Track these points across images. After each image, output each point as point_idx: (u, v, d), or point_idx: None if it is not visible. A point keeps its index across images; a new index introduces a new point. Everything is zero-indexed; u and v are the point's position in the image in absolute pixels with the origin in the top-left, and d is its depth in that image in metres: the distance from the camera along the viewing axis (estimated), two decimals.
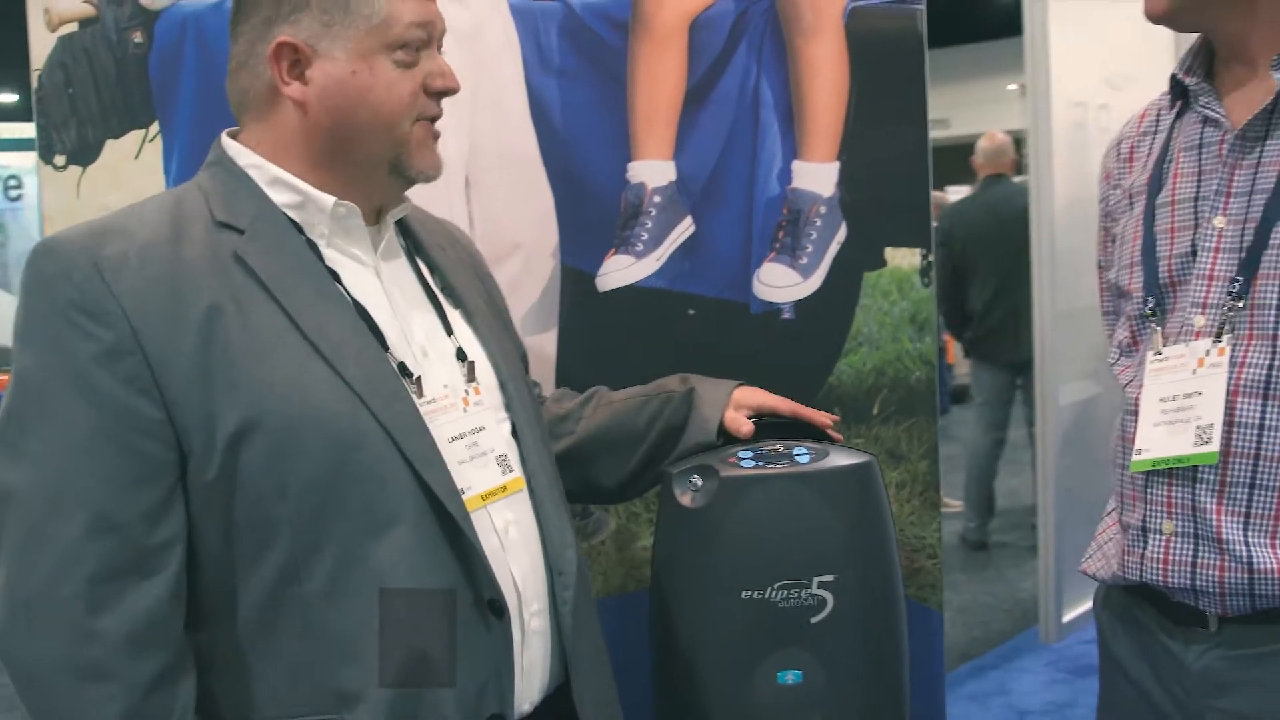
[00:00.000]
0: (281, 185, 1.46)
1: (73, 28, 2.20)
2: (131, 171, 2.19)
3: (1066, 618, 5.15)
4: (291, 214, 1.46)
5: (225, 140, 1.51)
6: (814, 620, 1.80)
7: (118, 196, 2.19)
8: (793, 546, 1.80)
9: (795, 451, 1.84)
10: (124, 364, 1.32)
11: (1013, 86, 16.00)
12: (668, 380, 1.94)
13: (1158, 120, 1.78)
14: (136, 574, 1.31)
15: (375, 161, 1.49)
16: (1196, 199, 1.65)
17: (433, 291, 1.60)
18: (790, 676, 1.81)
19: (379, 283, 1.51)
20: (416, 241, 1.63)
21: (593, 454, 1.89)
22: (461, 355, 1.56)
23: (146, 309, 1.33)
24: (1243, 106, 1.61)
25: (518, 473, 1.56)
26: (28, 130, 8.70)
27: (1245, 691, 1.59)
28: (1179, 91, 1.72)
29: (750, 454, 1.84)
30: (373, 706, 1.36)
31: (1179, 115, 1.72)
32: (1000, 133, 6.43)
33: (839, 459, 1.84)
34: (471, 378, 1.56)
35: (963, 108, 15.50)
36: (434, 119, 1.51)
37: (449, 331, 1.58)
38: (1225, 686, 1.61)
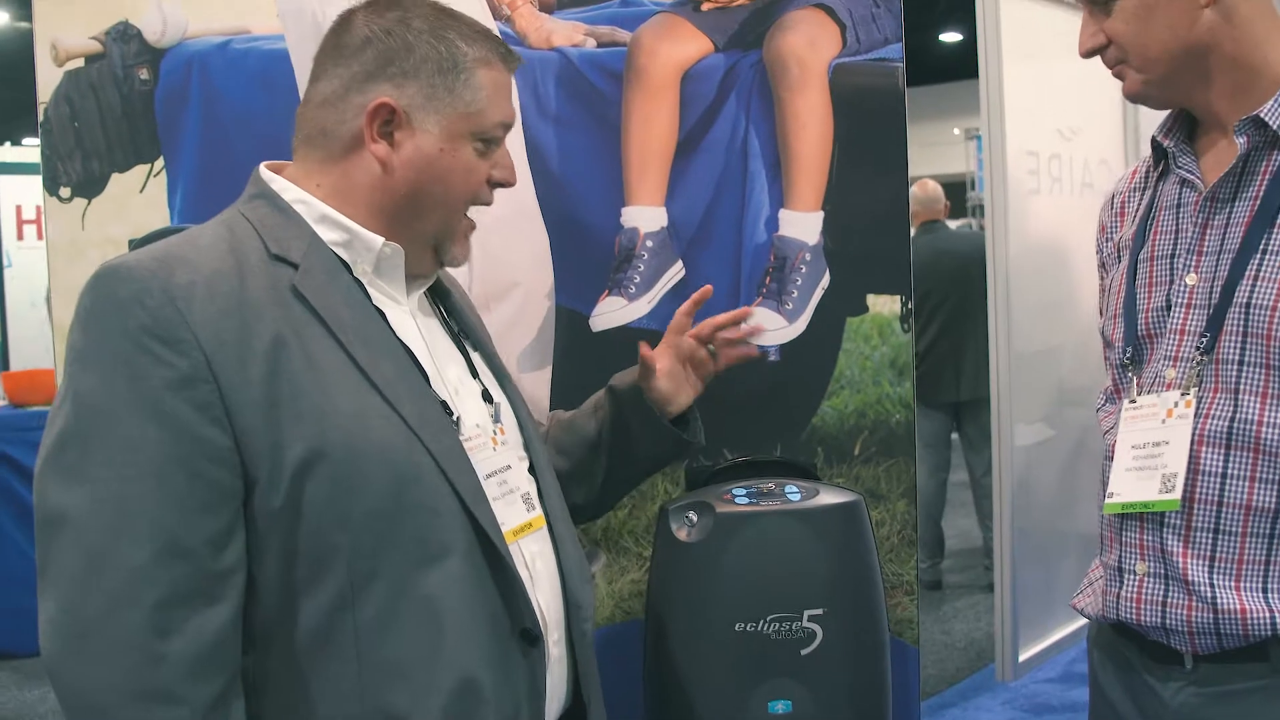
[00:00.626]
0: (329, 223, 1.50)
1: (79, 63, 2.25)
2: (137, 205, 2.24)
3: (1023, 656, 5.23)
4: (338, 251, 1.49)
5: (267, 174, 1.54)
6: (804, 652, 1.87)
7: (122, 229, 2.25)
8: (784, 580, 1.87)
9: (787, 489, 1.91)
10: (198, 391, 1.34)
11: (958, 131, 16.23)
12: (595, 395, 1.95)
13: (1146, 177, 1.86)
14: (203, 599, 1.34)
15: (425, 237, 1.54)
16: (1173, 256, 1.73)
17: (455, 334, 1.66)
18: (781, 706, 1.87)
19: (415, 325, 1.56)
20: (434, 287, 1.68)
21: (561, 473, 1.86)
22: (487, 396, 1.62)
23: (219, 338, 1.35)
24: (1215, 168, 1.69)
25: (539, 510, 1.61)
26: None
27: None
28: (1159, 153, 1.80)
29: (744, 491, 1.90)
30: None
31: (1163, 175, 1.81)
32: (930, 181, 6.61)
33: (828, 497, 1.91)
34: (497, 418, 1.61)
35: (909, 149, 15.66)
36: (485, 204, 1.58)
37: (474, 374, 1.63)
38: None
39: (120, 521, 1.32)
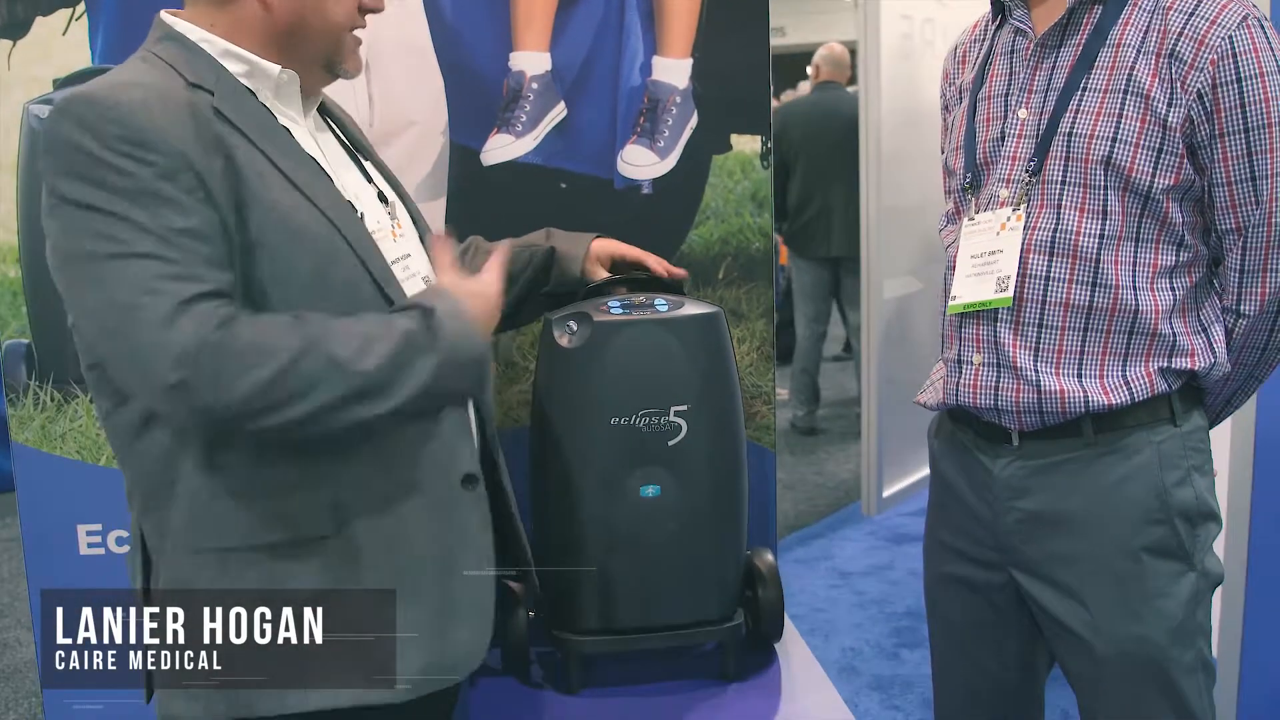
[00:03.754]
0: (231, 56, 1.68)
1: None
2: (60, 46, 2.38)
3: (886, 493, 5.62)
4: (242, 80, 1.68)
5: (170, 19, 1.70)
6: (671, 443, 2.11)
7: (47, 69, 2.39)
8: (653, 381, 2.09)
9: (656, 302, 2.14)
10: (183, 179, 1.50)
11: None
12: (534, 235, 2.23)
13: (985, 30, 2.13)
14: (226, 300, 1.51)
15: (315, 59, 1.73)
16: (1007, 94, 2.01)
17: (349, 148, 1.87)
18: (651, 490, 2.12)
19: (313, 140, 1.77)
20: (325, 107, 1.89)
21: None
22: (383, 198, 1.83)
23: (182, 138, 1.52)
24: (1045, 20, 1.97)
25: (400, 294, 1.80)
26: None
27: (1037, 494, 1.98)
28: (998, 7, 2.07)
29: (618, 303, 2.13)
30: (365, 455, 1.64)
31: (1000, 26, 2.08)
32: (839, 45, 6.80)
33: (692, 309, 2.15)
34: (394, 216, 1.83)
35: (799, 17, 15.62)
36: (360, 28, 1.76)
37: (369, 180, 1.84)
38: (1023, 491, 2.00)
39: (162, 273, 1.47)
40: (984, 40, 2.11)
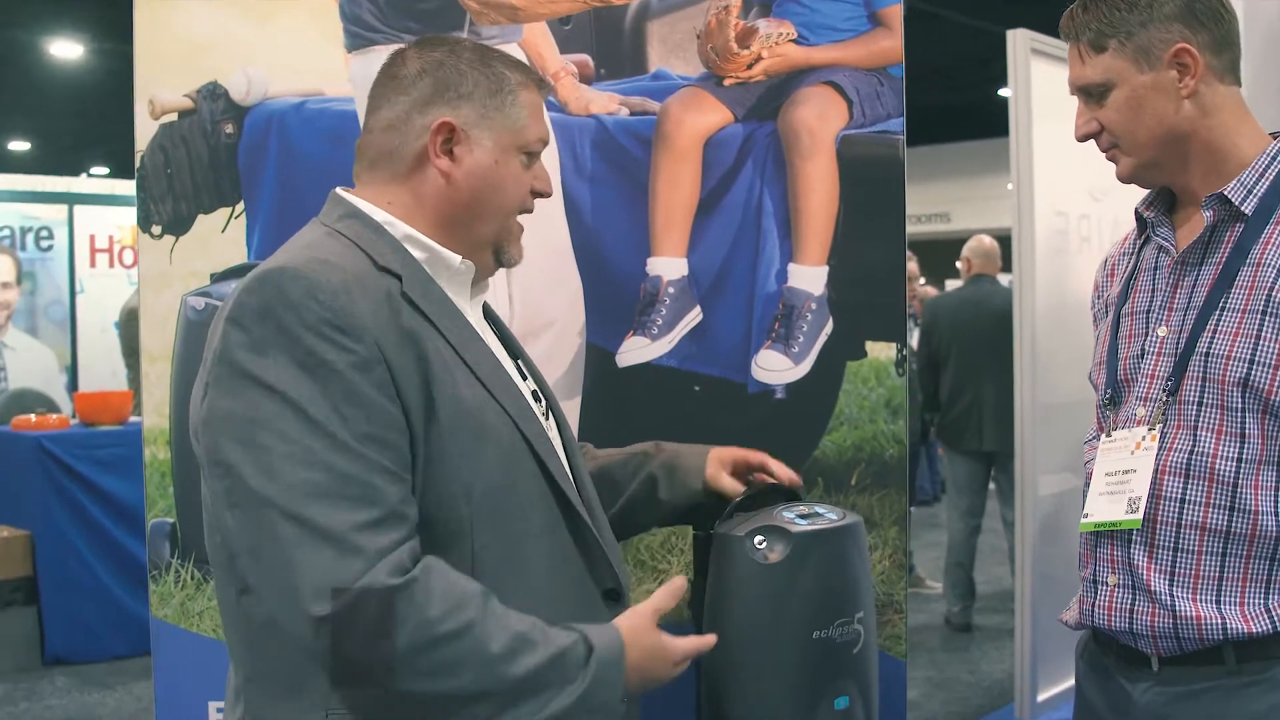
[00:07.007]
0: (412, 241, 1.69)
1: (173, 117, 2.55)
2: (219, 243, 2.53)
3: (1042, 696, 5.38)
4: (422, 265, 1.69)
5: (351, 197, 1.71)
6: (855, 651, 2.02)
7: (206, 264, 2.54)
8: (842, 589, 2.00)
9: (819, 510, 2.04)
10: (375, 373, 1.50)
11: (1011, 186, 16.23)
12: (641, 444, 2.15)
13: (1133, 244, 2.11)
14: (398, 529, 1.50)
15: (486, 240, 1.74)
16: (1148, 311, 1.98)
17: (505, 345, 1.87)
18: (842, 702, 2.01)
19: (480, 331, 1.76)
20: (485, 304, 1.89)
21: None
22: (537, 396, 1.82)
23: (379, 327, 1.53)
24: (1187, 237, 1.94)
25: (578, 500, 1.79)
26: (57, 184, 8.90)
27: None
28: (1142, 223, 2.05)
29: (794, 514, 2.02)
30: None
31: (1145, 242, 2.06)
32: (988, 237, 6.79)
33: (851, 517, 2.06)
34: (547, 415, 1.81)
35: (963, 203, 15.62)
36: (528, 211, 1.78)
37: (524, 376, 1.84)
38: (1164, 718, 1.91)
39: (333, 488, 1.47)
40: (1131, 255, 2.08)
